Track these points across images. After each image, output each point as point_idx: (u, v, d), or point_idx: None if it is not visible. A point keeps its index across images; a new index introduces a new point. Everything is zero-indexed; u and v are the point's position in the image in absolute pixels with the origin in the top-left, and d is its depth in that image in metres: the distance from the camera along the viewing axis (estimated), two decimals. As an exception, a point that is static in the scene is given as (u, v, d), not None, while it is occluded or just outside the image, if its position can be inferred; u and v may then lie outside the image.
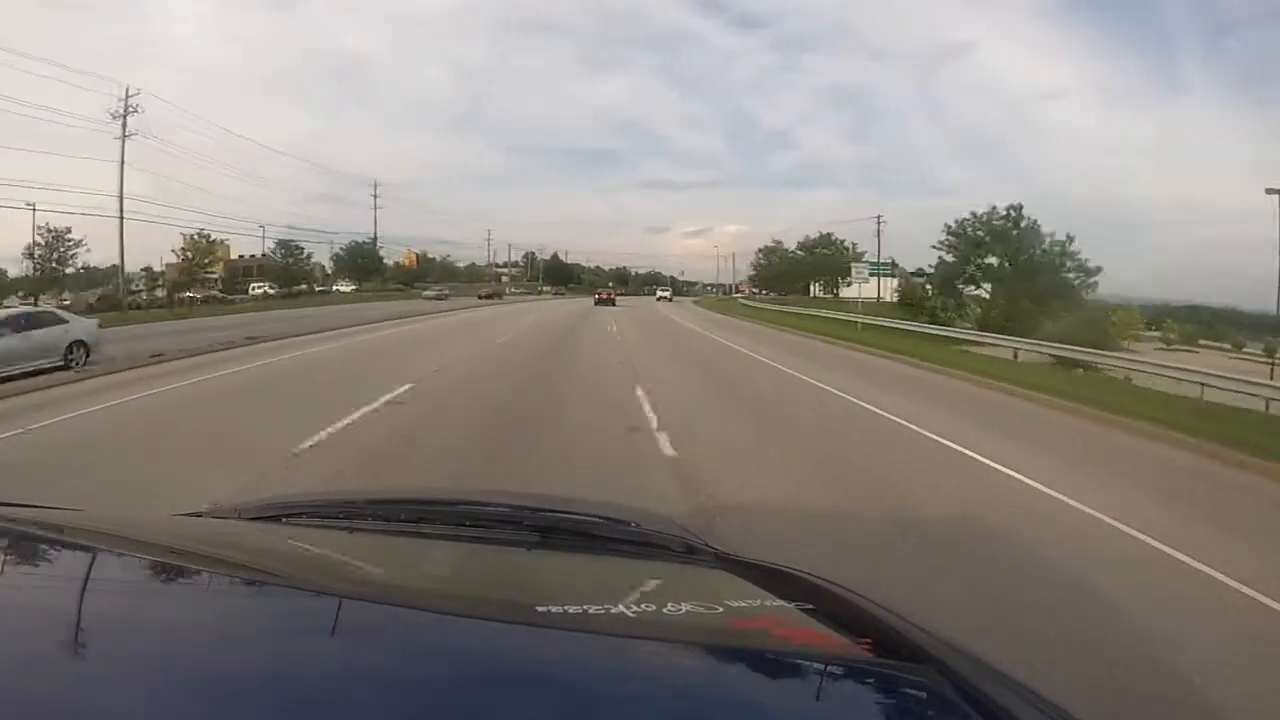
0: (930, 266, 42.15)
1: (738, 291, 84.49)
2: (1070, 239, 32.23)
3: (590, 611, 0.78)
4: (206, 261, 46.74)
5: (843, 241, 51.79)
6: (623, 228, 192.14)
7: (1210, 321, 37.58)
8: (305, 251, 59.48)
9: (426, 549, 1.17)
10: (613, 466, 5.46)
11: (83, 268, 43.45)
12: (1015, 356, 17.53)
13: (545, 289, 68.88)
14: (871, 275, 40.13)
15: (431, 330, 20.82)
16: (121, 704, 0.54)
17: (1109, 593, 3.49)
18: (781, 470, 5.57)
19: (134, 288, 42.57)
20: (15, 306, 19.42)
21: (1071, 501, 4.91)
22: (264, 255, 58.44)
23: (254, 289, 48.79)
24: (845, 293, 48.24)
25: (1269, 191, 23.12)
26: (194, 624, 0.71)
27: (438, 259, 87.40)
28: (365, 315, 26.30)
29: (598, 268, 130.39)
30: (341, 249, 63.42)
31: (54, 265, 40.84)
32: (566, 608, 0.77)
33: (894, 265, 50.02)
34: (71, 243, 39.90)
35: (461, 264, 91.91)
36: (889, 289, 50.31)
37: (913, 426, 7.45)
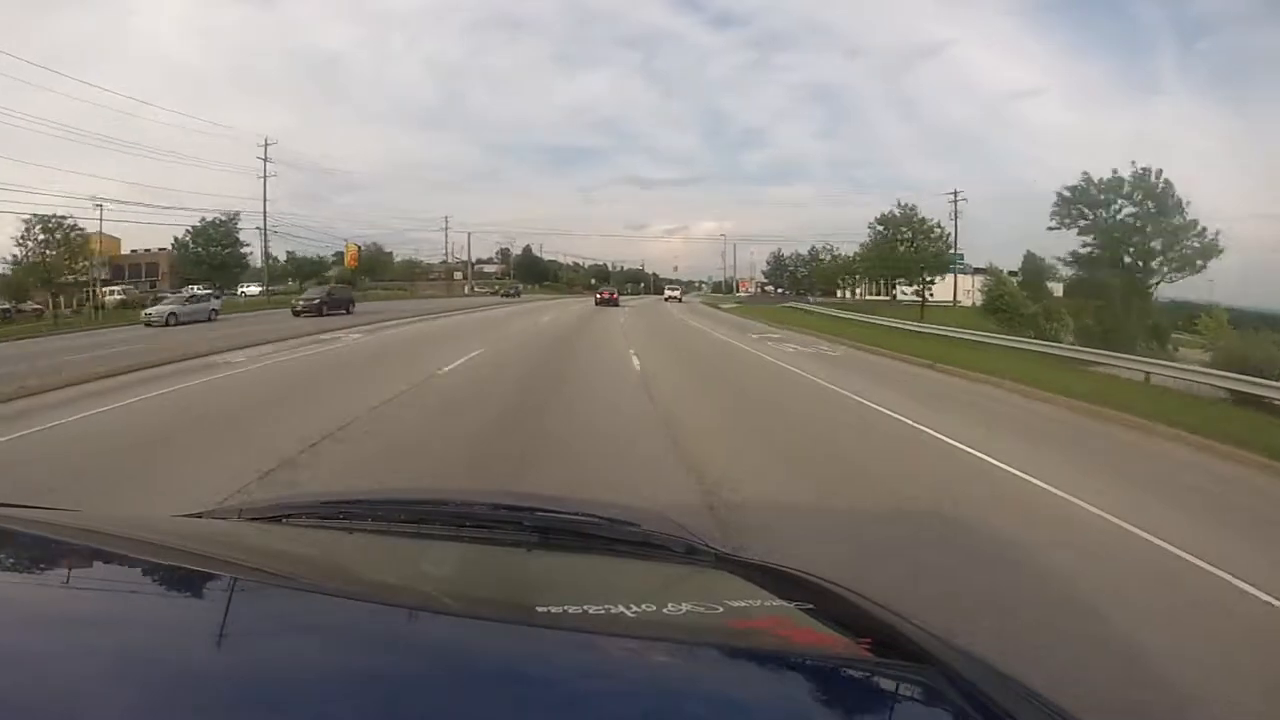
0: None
1: (740, 290, 75.21)
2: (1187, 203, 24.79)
3: (590, 611, 0.78)
4: (65, 256, 31.33)
5: (934, 224, 37.64)
6: (600, 226, 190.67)
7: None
8: (240, 244, 47.93)
9: (426, 549, 1.16)
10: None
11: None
12: (1147, 380, 12.77)
13: (512, 289, 56.35)
14: (964, 273, 31.76)
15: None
16: (121, 704, 0.53)
17: None
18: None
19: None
20: None
21: None
22: (172, 247, 46.90)
23: (109, 292, 32.90)
24: (900, 292, 39.21)
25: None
26: (194, 624, 0.70)
27: (406, 256, 78.85)
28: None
29: (576, 265, 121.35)
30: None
31: None
32: (567, 608, 0.78)
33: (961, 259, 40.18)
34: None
35: (434, 260, 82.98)
36: (960, 288, 41.06)
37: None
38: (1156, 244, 25.27)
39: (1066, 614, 3.18)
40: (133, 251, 54.76)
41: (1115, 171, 26.07)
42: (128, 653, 0.62)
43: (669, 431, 6.61)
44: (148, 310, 24.28)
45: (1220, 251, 24.54)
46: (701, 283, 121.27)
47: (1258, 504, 5.50)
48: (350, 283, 70.54)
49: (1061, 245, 28.79)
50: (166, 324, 22.00)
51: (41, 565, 0.87)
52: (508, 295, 56.26)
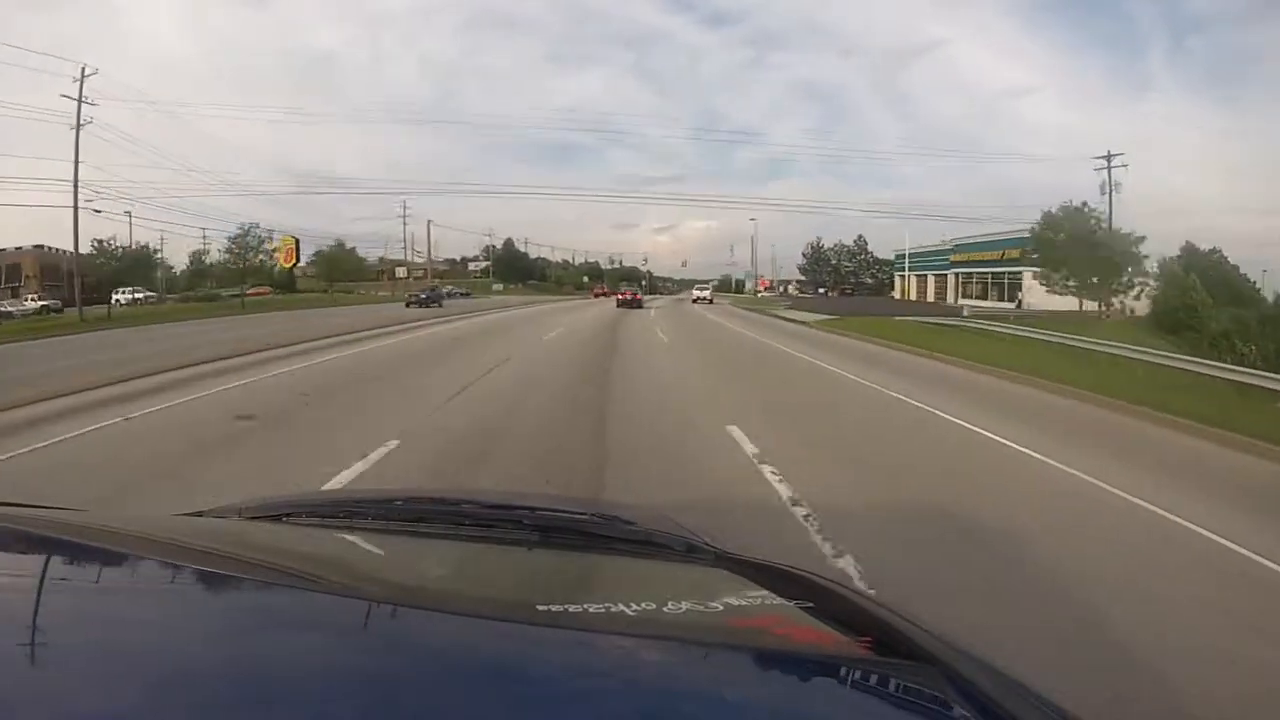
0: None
1: (763, 290, 67.85)
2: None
3: (590, 610, 0.79)
4: None
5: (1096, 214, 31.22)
6: (590, 224, 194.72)
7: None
8: (148, 245, 38.74)
9: (427, 548, 1.17)
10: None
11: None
12: None
13: (429, 293, 41.18)
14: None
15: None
16: (123, 702, 0.53)
17: None
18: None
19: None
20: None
21: None
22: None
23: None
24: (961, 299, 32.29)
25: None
26: (194, 623, 0.70)
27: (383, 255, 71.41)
28: None
29: (566, 262, 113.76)
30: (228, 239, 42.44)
31: None
32: (567, 606, 0.78)
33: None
34: None
35: (417, 259, 76.14)
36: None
37: None
38: None
39: None
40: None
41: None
42: (128, 651, 0.62)
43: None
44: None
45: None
46: (701, 281, 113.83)
47: None
48: (281, 288, 58.33)
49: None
50: None
51: (41, 564, 0.87)
52: (424, 302, 38.12)
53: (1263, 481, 5.79)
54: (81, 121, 29.15)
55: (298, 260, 57.24)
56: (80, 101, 29.33)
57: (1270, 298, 19.57)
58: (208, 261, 50.29)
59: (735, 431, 6.43)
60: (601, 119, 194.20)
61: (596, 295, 61.92)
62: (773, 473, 5.10)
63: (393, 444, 5.73)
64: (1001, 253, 44.78)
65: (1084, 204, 31.58)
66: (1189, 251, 26.33)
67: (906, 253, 61.54)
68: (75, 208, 29.23)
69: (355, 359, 12.74)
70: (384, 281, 70.92)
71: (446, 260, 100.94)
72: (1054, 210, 31.57)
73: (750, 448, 5.84)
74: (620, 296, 39.14)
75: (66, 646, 0.61)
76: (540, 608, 0.79)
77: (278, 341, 15.35)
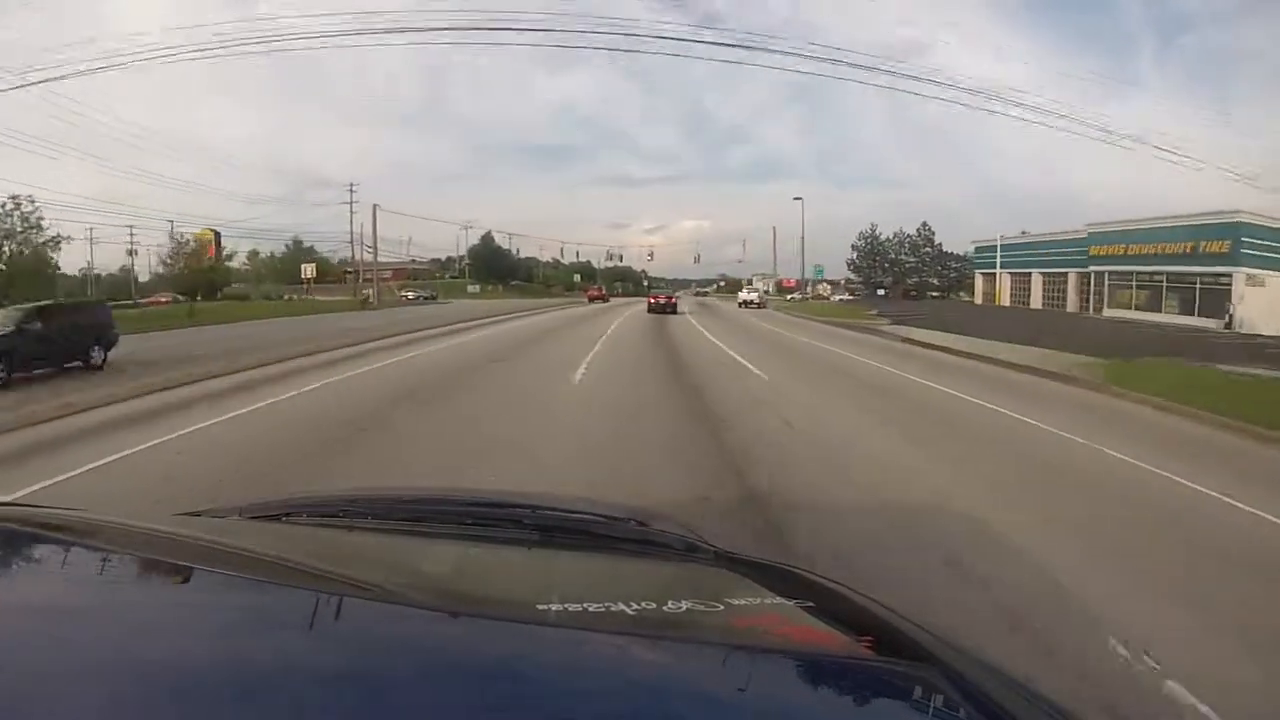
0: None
1: (791, 292, 52.63)
2: None
3: (591, 610, 0.78)
4: None
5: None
6: (582, 224, 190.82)
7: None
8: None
9: (427, 548, 1.16)
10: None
11: None
12: None
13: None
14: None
15: None
16: (122, 702, 0.53)
17: None
18: None
19: None
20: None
21: None
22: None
23: None
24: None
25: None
26: (194, 623, 0.70)
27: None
28: None
29: (556, 261, 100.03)
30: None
31: None
32: (567, 606, 0.78)
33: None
34: None
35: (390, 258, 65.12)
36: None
37: None
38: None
39: None
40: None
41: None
42: (128, 651, 0.62)
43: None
44: None
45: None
46: (700, 282, 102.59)
47: None
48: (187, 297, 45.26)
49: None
50: None
51: (40, 564, 0.87)
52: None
53: None
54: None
55: (219, 257, 46.48)
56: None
57: None
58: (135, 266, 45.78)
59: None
60: (593, 119, 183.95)
61: (591, 298, 49.36)
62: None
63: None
64: (1191, 245, 29.89)
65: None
66: None
67: (999, 244, 46.68)
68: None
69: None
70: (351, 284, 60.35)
71: (433, 261, 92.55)
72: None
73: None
74: (652, 300, 33.78)
75: (66, 646, 0.61)
76: (540, 608, 0.80)
77: None
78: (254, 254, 49.32)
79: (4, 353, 10.05)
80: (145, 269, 51.98)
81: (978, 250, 51.21)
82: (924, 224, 64.42)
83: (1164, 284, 32.77)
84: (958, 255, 63.15)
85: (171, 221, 35.63)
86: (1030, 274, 43.82)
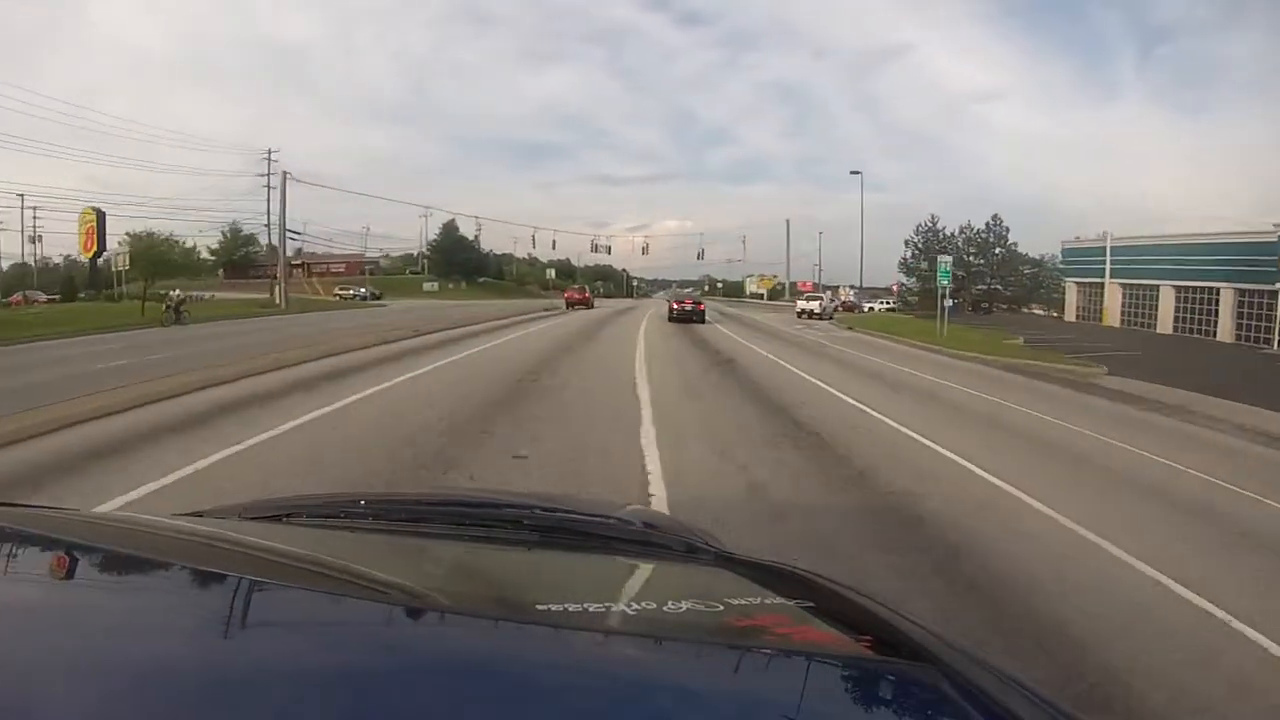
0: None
1: (834, 297, 42.07)
2: None
3: (590, 610, 0.78)
4: None
5: None
6: (564, 223, 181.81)
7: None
8: None
9: (426, 549, 1.16)
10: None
11: None
12: None
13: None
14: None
15: None
16: (120, 703, 0.53)
17: None
18: None
19: None
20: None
21: None
22: None
23: None
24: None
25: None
26: (193, 624, 0.70)
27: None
28: None
29: (533, 257, 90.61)
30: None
31: None
32: (566, 606, 0.77)
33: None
34: None
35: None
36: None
37: None
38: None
39: None
40: None
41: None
42: (127, 652, 0.62)
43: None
44: None
45: None
46: (679, 282, 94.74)
47: None
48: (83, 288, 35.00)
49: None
50: None
51: (39, 564, 0.86)
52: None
53: None
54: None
55: (100, 247, 35.71)
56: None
57: None
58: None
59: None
60: (575, 118, 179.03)
61: (571, 303, 38.78)
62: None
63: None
64: None
65: None
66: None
67: (1109, 245, 36.26)
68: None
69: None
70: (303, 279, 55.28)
71: (404, 256, 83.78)
72: None
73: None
74: (675, 306, 28.63)
75: (65, 646, 0.60)
76: (540, 608, 0.78)
77: None
78: (139, 237, 36.87)
79: None
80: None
81: (1068, 253, 40.71)
82: (995, 217, 51.17)
83: None
84: (1028, 257, 51.78)
85: (21, 195, 25.18)
86: (1157, 287, 33.52)
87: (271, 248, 47.74)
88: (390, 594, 0.84)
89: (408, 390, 9.21)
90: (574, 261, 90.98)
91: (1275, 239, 27.05)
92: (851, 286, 49.53)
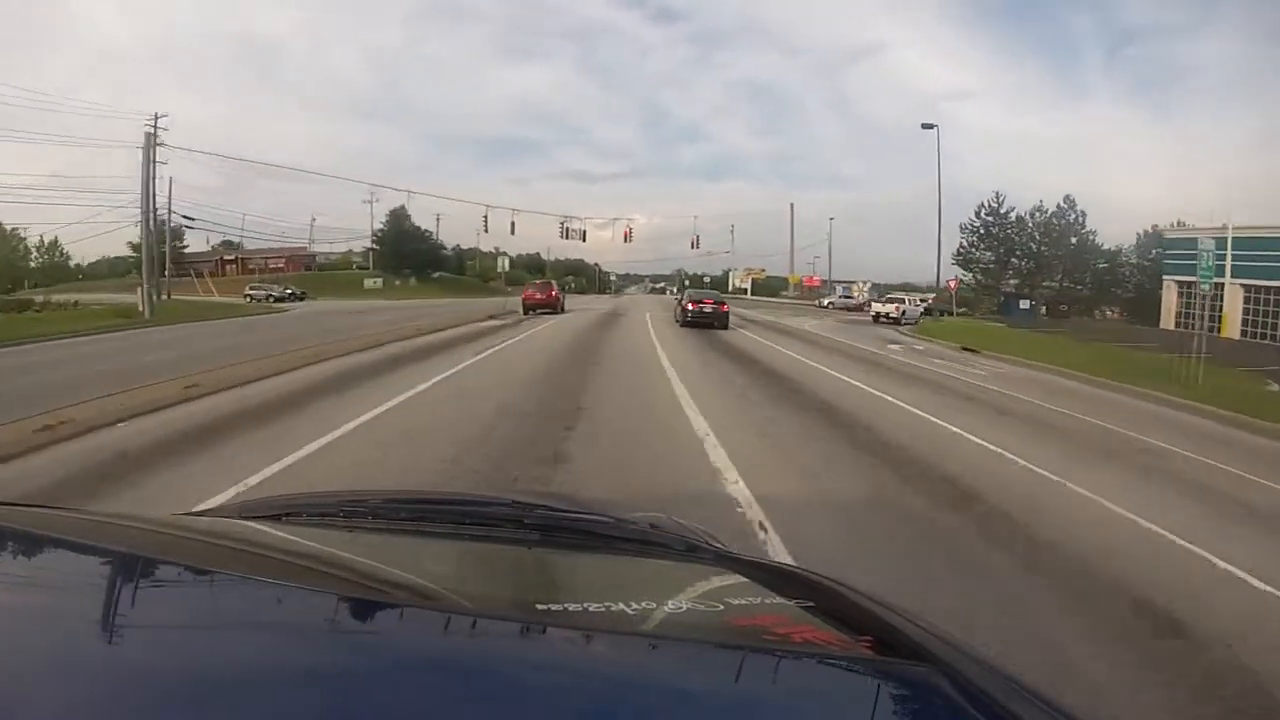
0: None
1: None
2: None
3: (591, 610, 0.78)
4: None
5: None
6: (535, 218, 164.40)
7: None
8: None
9: (427, 548, 1.15)
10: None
11: None
12: None
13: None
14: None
15: None
16: (119, 704, 0.53)
17: None
18: None
19: None
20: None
21: None
22: None
23: None
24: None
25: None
26: (193, 624, 0.70)
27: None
28: None
29: (498, 250, 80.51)
30: None
31: None
32: (567, 606, 0.78)
33: None
34: None
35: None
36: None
37: None
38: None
39: None
40: None
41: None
42: (127, 651, 0.62)
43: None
44: None
45: None
46: (658, 279, 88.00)
47: None
48: None
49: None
50: None
51: (40, 564, 0.86)
52: None
53: None
54: None
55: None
56: None
57: None
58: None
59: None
60: (547, 114, 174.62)
61: (532, 304, 27.89)
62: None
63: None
64: None
65: None
66: None
67: (1230, 236, 28.65)
68: None
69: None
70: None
71: (364, 251, 72.65)
72: None
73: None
74: (690, 306, 22.45)
75: (65, 647, 0.61)
76: (540, 608, 0.79)
77: None
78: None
79: None
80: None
81: (1171, 244, 33.01)
82: (1068, 198, 40.36)
83: None
84: (1103, 249, 41.82)
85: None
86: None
87: (227, 243, 37.89)
88: (390, 593, 0.85)
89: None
90: (544, 255, 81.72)
91: None
92: (957, 281, 39.88)
